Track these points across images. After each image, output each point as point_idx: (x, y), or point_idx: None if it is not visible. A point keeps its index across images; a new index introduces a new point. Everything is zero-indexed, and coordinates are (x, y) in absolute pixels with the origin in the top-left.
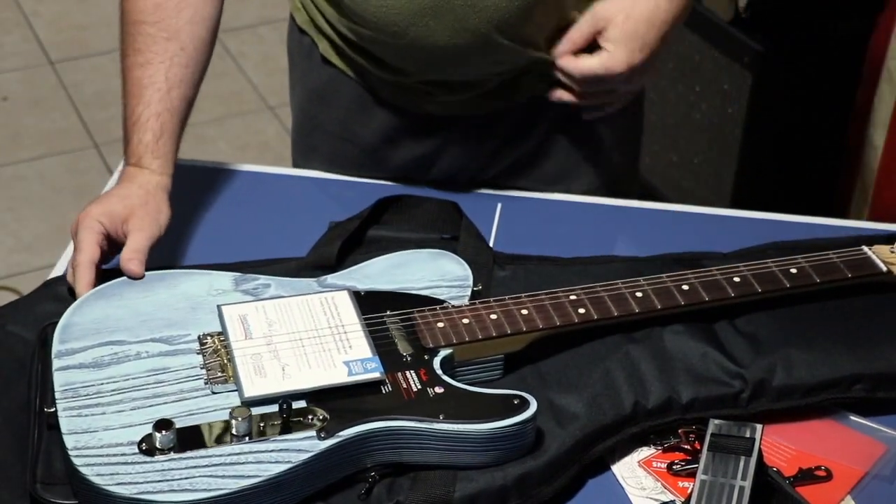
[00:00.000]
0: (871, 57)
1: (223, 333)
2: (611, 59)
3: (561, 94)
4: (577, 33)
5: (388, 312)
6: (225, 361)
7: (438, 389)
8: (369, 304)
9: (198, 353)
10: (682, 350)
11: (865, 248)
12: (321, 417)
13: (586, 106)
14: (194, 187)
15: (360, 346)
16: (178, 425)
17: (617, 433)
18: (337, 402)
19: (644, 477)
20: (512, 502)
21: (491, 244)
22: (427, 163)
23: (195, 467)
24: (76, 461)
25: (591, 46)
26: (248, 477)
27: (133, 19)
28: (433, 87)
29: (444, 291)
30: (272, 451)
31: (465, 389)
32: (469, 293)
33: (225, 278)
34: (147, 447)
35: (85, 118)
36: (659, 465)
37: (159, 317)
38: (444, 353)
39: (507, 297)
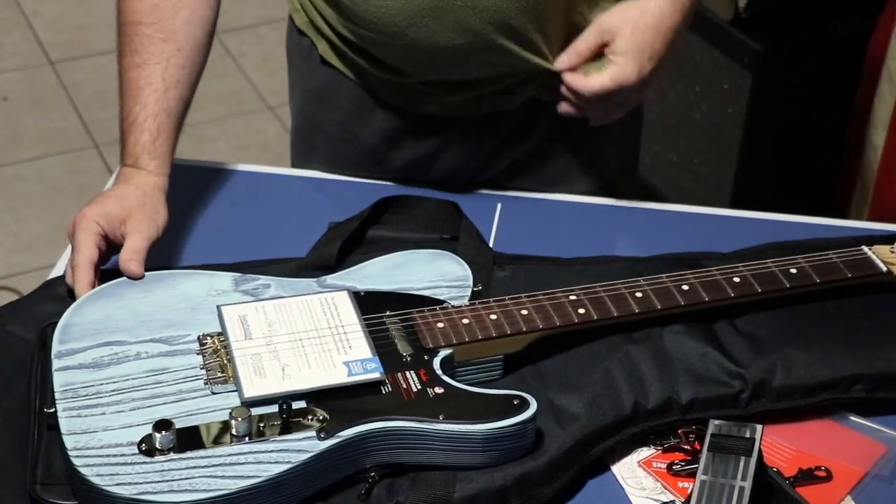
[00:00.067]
0: (871, 57)
1: (223, 334)
2: (621, 72)
3: (569, 109)
4: (584, 45)
5: (387, 313)
6: (225, 362)
7: (438, 390)
8: (369, 304)
9: (197, 354)
10: (682, 350)
11: (865, 248)
12: (321, 418)
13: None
14: (194, 187)
15: (360, 347)
16: (177, 426)
17: (617, 433)
18: (337, 402)
19: (644, 477)
20: (512, 503)
21: (491, 244)
22: (427, 163)
23: (195, 468)
24: (76, 462)
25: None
26: (248, 477)
27: (130, 20)
28: (433, 87)
29: (444, 292)
30: (272, 451)
31: (464, 390)
32: (469, 293)
33: (225, 279)
34: (147, 447)
35: (85, 118)
36: (659, 465)
37: (159, 317)
38: (443, 353)
39: (506, 298)
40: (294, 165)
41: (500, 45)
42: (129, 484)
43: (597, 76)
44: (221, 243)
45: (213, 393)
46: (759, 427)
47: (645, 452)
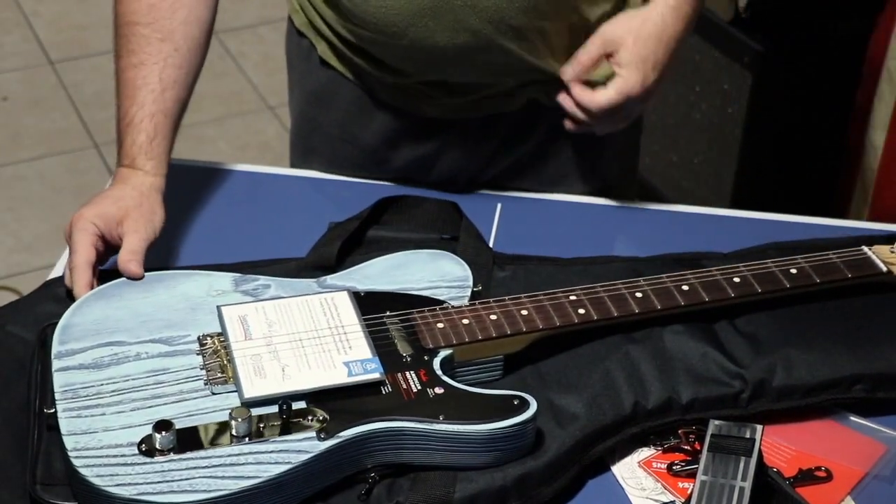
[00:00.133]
0: (871, 57)
1: (223, 334)
2: (626, 84)
3: (573, 126)
4: (586, 56)
5: (387, 313)
6: (225, 362)
7: (438, 390)
8: (369, 304)
9: (197, 354)
10: (682, 350)
11: (865, 249)
12: (321, 418)
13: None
14: (194, 187)
15: (360, 347)
16: (177, 426)
17: (617, 433)
18: (337, 402)
19: (644, 477)
20: (512, 503)
21: (491, 244)
22: (427, 164)
23: (195, 468)
24: (76, 462)
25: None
26: (248, 478)
27: (127, 20)
28: (432, 89)
29: (444, 292)
30: (272, 451)
31: (464, 390)
32: (469, 294)
33: (225, 279)
34: (147, 448)
35: (85, 118)
36: (659, 465)
37: (159, 317)
38: (443, 353)
39: (506, 298)
40: (293, 166)
41: (499, 45)
42: (129, 484)
43: (602, 91)
44: (221, 243)
45: (214, 393)
46: (759, 427)
47: (645, 453)
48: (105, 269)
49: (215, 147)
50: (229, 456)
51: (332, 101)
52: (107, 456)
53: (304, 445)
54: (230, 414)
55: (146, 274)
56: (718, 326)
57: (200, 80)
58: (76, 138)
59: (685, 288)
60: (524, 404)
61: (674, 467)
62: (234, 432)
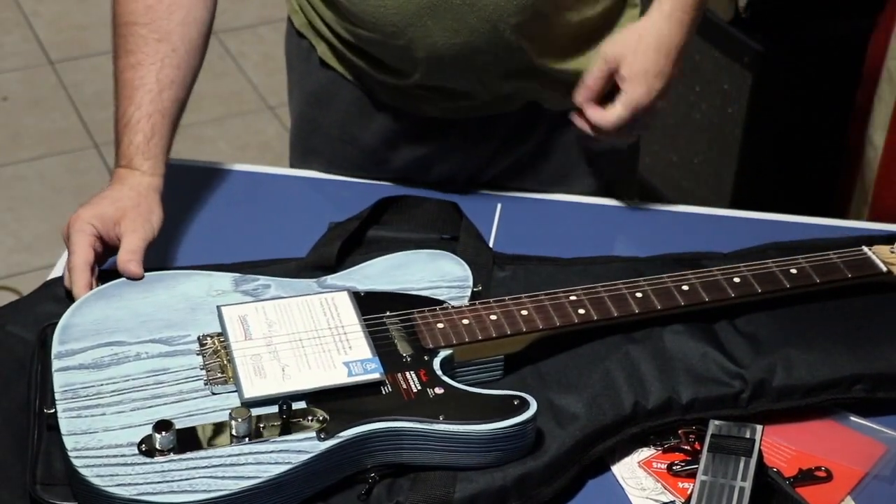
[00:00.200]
0: (871, 57)
1: (223, 334)
2: (631, 98)
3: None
4: (592, 79)
5: (387, 313)
6: (225, 362)
7: (438, 390)
8: (369, 304)
9: (197, 354)
10: (682, 350)
11: (865, 249)
12: (321, 418)
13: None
14: (194, 187)
15: (360, 347)
16: (177, 426)
17: (617, 433)
18: (337, 402)
19: (644, 477)
20: (512, 503)
21: (491, 244)
22: (426, 164)
23: (195, 468)
24: (76, 462)
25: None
26: (248, 478)
27: (125, 21)
28: (431, 92)
29: (444, 292)
30: (272, 451)
31: (465, 390)
32: (469, 294)
33: (225, 279)
34: (147, 448)
35: (85, 118)
36: (659, 465)
37: (159, 317)
38: (443, 353)
39: (506, 298)
40: (293, 167)
41: (498, 45)
42: (129, 484)
43: (612, 108)
44: (221, 243)
45: (214, 393)
46: (759, 427)
47: (645, 453)
48: (105, 270)
49: (215, 147)
50: (229, 456)
51: (332, 101)
52: (107, 456)
53: (304, 445)
54: (230, 414)
55: (146, 274)
56: (718, 326)
57: (200, 80)
58: (76, 138)
59: (685, 288)
60: (524, 404)
61: (674, 467)
62: (234, 432)
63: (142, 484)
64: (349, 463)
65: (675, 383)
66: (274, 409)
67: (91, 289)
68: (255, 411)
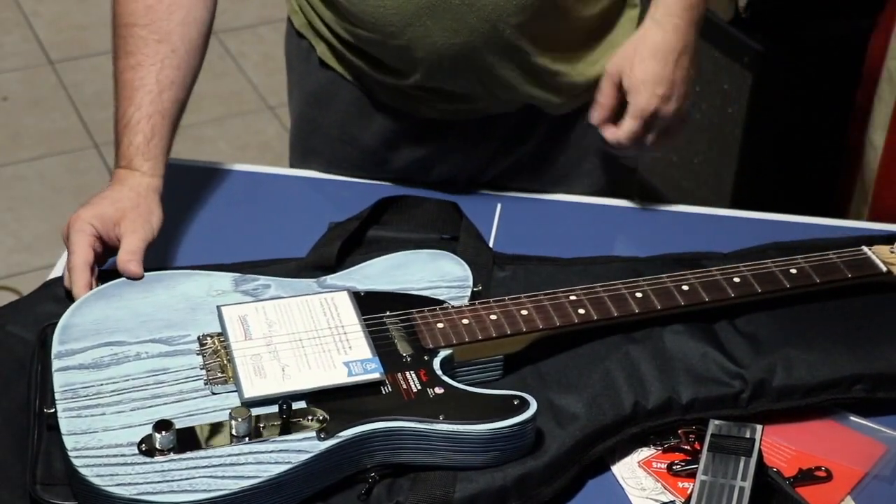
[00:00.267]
0: (871, 57)
1: (223, 334)
2: (636, 108)
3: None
4: (602, 96)
5: (387, 313)
6: (225, 362)
7: (438, 390)
8: (369, 304)
9: (197, 354)
10: (682, 350)
11: (865, 249)
12: (321, 418)
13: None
14: (194, 187)
15: (360, 347)
16: (177, 426)
17: (617, 433)
18: (337, 402)
19: (644, 477)
20: (512, 503)
21: (491, 244)
22: (426, 165)
23: (195, 468)
24: (76, 462)
25: None
26: (248, 478)
27: (124, 22)
28: (431, 93)
29: (444, 292)
30: (272, 451)
31: (464, 390)
32: (469, 294)
33: (224, 279)
34: (147, 448)
35: (85, 118)
36: (659, 465)
37: (159, 317)
38: (443, 353)
39: (506, 298)
40: (293, 167)
41: (497, 45)
42: (129, 484)
43: (623, 122)
44: (221, 243)
45: (214, 393)
46: (759, 427)
47: (645, 452)
48: (105, 270)
49: (215, 147)
50: (229, 456)
51: (332, 102)
52: (107, 456)
53: (304, 445)
54: (230, 414)
55: (146, 274)
56: (718, 326)
57: (200, 80)
58: (76, 138)
59: (685, 288)
60: (524, 404)
61: (674, 467)
62: (233, 432)
63: (142, 483)
64: (349, 463)
65: (675, 383)
66: (274, 408)
67: (91, 289)
68: (255, 411)
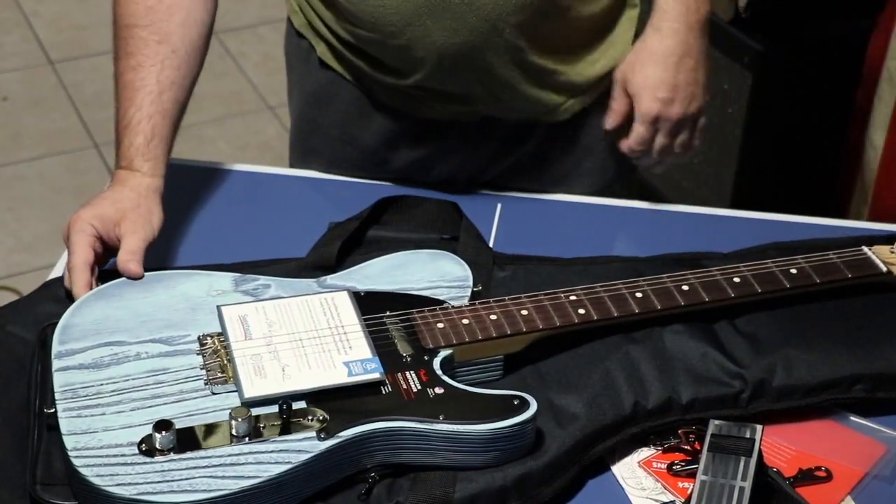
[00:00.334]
0: (871, 57)
1: (223, 334)
2: (640, 113)
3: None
4: (614, 103)
5: (387, 313)
6: (225, 362)
7: (438, 390)
8: (369, 304)
9: (197, 354)
10: (682, 350)
11: (865, 249)
12: (321, 418)
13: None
14: (194, 187)
15: (360, 347)
16: (177, 426)
17: (617, 433)
18: (337, 402)
19: (644, 477)
20: (512, 503)
21: (491, 244)
22: (426, 165)
23: (195, 468)
24: (76, 462)
25: None
26: (248, 477)
27: (125, 23)
28: (431, 95)
29: (444, 292)
30: (272, 451)
31: (465, 390)
32: (469, 294)
33: (225, 279)
34: (147, 448)
35: (85, 118)
36: (659, 465)
37: (159, 317)
38: (443, 353)
39: (506, 298)
40: (293, 167)
41: (497, 45)
42: (129, 484)
43: (632, 129)
44: (221, 243)
45: (214, 393)
46: (759, 427)
47: (645, 452)
48: (105, 270)
49: (215, 147)
50: (229, 456)
51: (332, 102)
52: (107, 456)
53: (304, 445)
54: (230, 414)
55: (146, 274)
56: (718, 326)
57: (200, 80)
58: (76, 138)
59: (685, 288)
60: (524, 404)
61: (674, 467)
62: (234, 432)
63: (142, 483)
64: (349, 463)
65: (675, 383)
66: (274, 408)
67: (91, 289)
68: (255, 411)
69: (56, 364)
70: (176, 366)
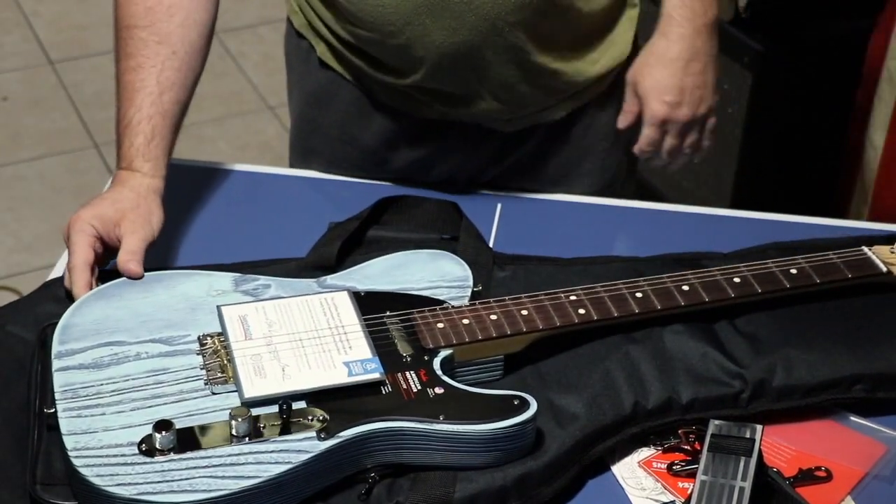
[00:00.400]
0: (871, 57)
1: (223, 334)
2: (648, 115)
3: (673, 165)
4: (626, 104)
5: (387, 313)
6: (225, 362)
7: (438, 390)
8: (369, 304)
9: (198, 354)
10: (682, 350)
11: (865, 249)
12: (321, 418)
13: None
14: (194, 187)
15: (360, 347)
16: (177, 426)
17: (617, 433)
18: (337, 402)
19: (644, 477)
20: (512, 503)
21: (491, 244)
22: (426, 165)
23: (195, 468)
24: (76, 462)
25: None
26: (248, 478)
27: (125, 24)
28: (431, 96)
29: (444, 292)
30: (272, 451)
31: (465, 390)
32: (469, 294)
33: (225, 279)
34: (147, 448)
35: (85, 118)
36: (659, 465)
37: (159, 317)
38: (444, 353)
39: (506, 298)
40: (293, 167)
41: (497, 45)
42: (130, 484)
43: (642, 132)
44: (221, 243)
45: (214, 393)
46: (759, 427)
47: (645, 452)
48: (105, 270)
49: (215, 147)
50: (229, 456)
51: (332, 102)
52: (107, 456)
53: (304, 445)
54: (230, 414)
55: (146, 274)
56: (718, 326)
57: (200, 80)
58: (76, 138)
59: (685, 288)
60: (524, 404)
61: (674, 467)
62: (234, 432)
63: (142, 483)
64: (349, 463)
65: (675, 383)
66: (274, 408)
67: (91, 289)
68: (255, 411)
69: (56, 364)
70: (176, 366)
